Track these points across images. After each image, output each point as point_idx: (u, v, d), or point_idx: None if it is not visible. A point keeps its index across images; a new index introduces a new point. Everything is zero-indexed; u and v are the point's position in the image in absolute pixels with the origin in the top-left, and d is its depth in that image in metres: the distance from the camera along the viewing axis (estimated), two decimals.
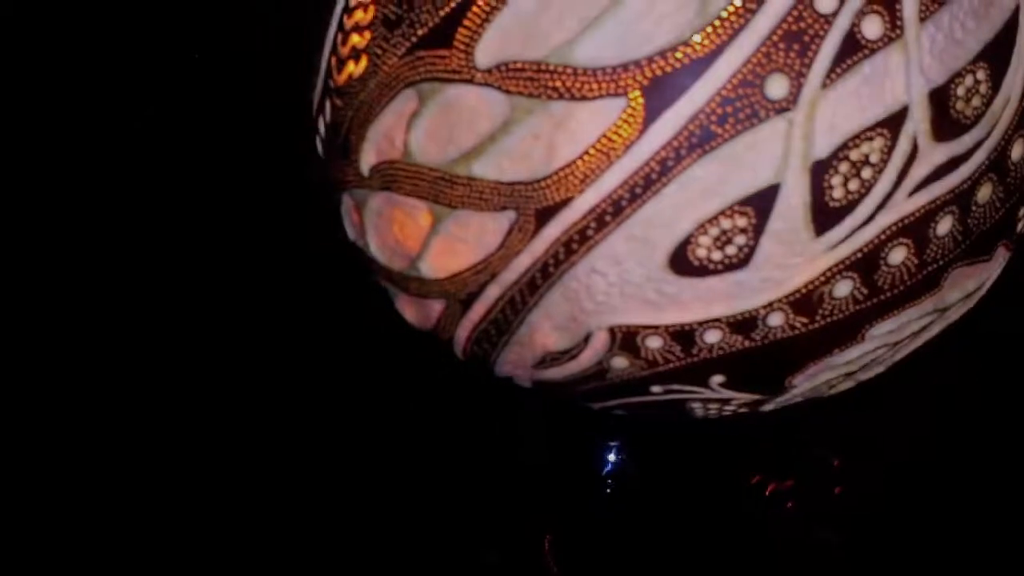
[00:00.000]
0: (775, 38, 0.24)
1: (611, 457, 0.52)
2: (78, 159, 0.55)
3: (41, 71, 0.55)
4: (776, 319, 0.28)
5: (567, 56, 0.26)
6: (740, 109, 0.25)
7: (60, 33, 0.54)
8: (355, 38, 0.31)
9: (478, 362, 0.35)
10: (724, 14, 0.24)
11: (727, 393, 0.31)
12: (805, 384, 0.31)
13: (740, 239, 0.26)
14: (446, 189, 0.29)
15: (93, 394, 0.51)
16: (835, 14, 0.25)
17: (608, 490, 0.50)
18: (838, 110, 0.25)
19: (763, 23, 0.24)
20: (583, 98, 0.26)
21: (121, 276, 0.53)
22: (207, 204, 0.55)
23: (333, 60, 0.32)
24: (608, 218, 0.26)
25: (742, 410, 0.33)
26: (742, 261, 0.27)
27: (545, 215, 0.27)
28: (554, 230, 0.27)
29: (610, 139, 0.26)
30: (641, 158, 0.25)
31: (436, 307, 0.33)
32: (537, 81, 0.26)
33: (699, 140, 0.25)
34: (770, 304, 0.27)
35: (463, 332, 0.33)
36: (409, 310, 0.35)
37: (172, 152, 0.55)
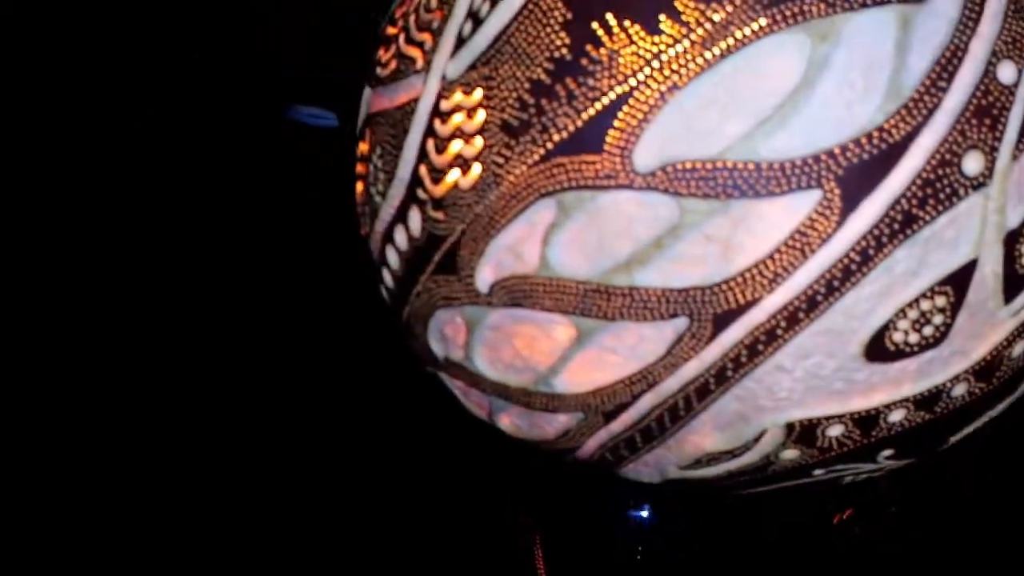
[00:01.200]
0: (968, 114, 0.24)
1: (643, 516, 0.51)
2: (78, 159, 0.54)
3: (41, 71, 0.53)
4: (960, 389, 0.27)
5: (748, 151, 0.24)
6: (940, 189, 0.24)
7: (60, 33, 0.53)
8: (459, 145, 0.28)
9: (599, 466, 0.33)
10: (916, 95, 0.24)
11: (889, 463, 0.30)
12: (956, 439, 0.31)
13: (938, 318, 0.25)
14: (599, 302, 0.26)
15: (89, 389, 0.50)
16: (1016, 84, 0.24)
17: (639, 557, 0.49)
18: (1021, 178, 0.25)
19: (953, 100, 0.24)
20: (771, 194, 0.24)
21: (121, 274, 0.53)
22: (206, 203, 0.55)
23: (424, 169, 0.29)
24: (801, 315, 0.25)
25: (886, 473, 0.32)
26: (938, 340, 0.26)
27: (725, 319, 0.25)
28: (736, 333, 0.25)
29: (804, 234, 0.24)
30: (839, 250, 0.24)
31: (563, 420, 0.30)
32: (713, 180, 0.24)
33: (901, 225, 0.24)
34: (956, 376, 0.27)
35: (595, 442, 0.31)
36: (513, 422, 0.32)
37: (172, 152, 0.55)
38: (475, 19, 0.27)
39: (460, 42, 0.28)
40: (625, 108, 0.25)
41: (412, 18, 0.30)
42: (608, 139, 0.25)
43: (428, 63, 0.29)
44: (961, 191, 0.24)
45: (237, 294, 0.54)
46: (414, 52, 0.30)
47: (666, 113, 0.24)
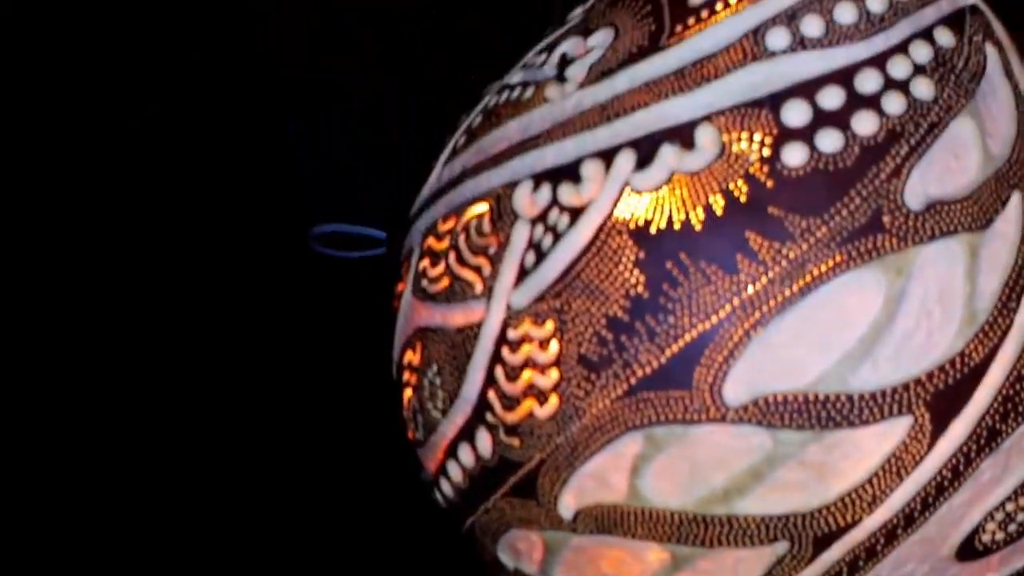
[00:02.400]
0: None
1: None
2: (78, 159, 0.54)
3: (41, 71, 0.53)
4: None
5: (838, 383, 0.24)
6: (1019, 402, 0.25)
7: (60, 33, 0.53)
8: (532, 375, 0.27)
9: None
10: (990, 318, 0.25)
11: None
12: None
13: (1021, 516, 0.26)
14: (696, 530, 0.26)
15: (90, 391, 0.51)
16: None
17: None
18: None
19: (1023, 317, 0.25)
20: (864, 423, 0.25)
21: (120, 275, 0.54)
22: (206, 204, 0.54)
23: (493, 393, 0.29)
24: (899, 531, 0.25)
25: None
26: (1021, 534, 0.27)
27: (825, 540, 0.25)
28: (836, 553, 0.26)
29: (899, 457, 0.25)
30: (932, 469, 0.25)
31: None
32: (807, 412, 0.25)
33: (986, 440, 0.25)
34: None
35: None
36: None
37: (172, 152, 0.54)
38: (537, 250, 0.28)
39: (524, 272, 0.28)
40: (711, 345, 0.25)
41: (462, 238, 0.30)
42: (696, 376, 0.25)
43: (489, 289, 0.29)
44: None
45: (236, 293, 0.54)
46: (470, 275, 0.30)
47: (752, 349, 0.25)
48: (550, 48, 0.32)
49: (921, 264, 0.24)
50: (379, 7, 0.52)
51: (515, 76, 0.33)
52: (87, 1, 0.53)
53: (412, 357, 0.33)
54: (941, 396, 0.24)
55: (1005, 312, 0.25)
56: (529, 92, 0.31)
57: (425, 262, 0.32)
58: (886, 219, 0.24)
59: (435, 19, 0.52)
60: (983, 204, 0.25)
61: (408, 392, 0.34)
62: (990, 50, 0.26)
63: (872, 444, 0.25)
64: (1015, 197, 0.25)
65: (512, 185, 0.29)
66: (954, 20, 0.26)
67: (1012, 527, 0.27)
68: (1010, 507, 0.26)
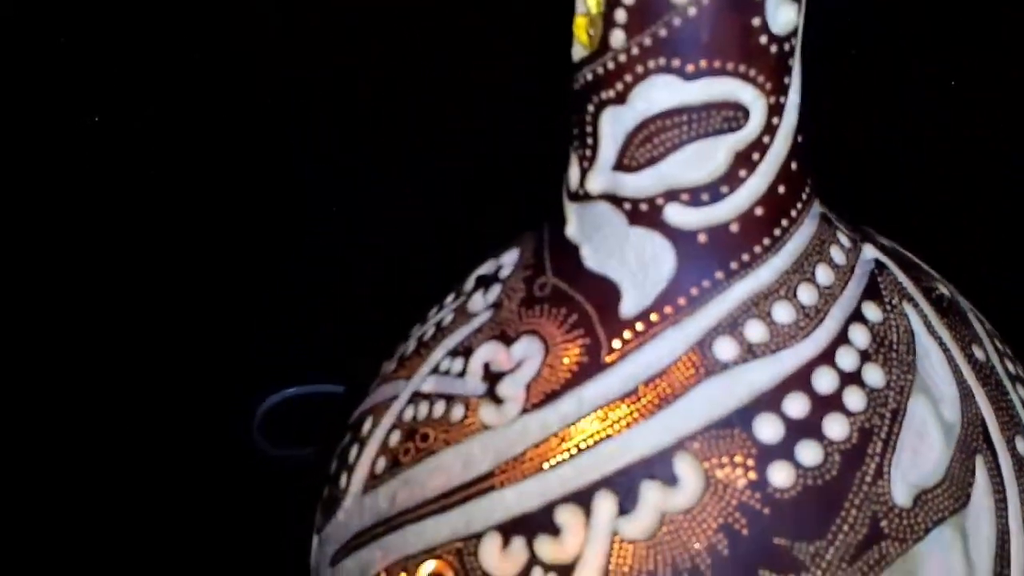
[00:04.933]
0: None
1: None
2: (78, 159, 0.54)
3: (41, 71, 0.52)
4: None
5: None
6: None
7: (60, 33, 0.52)
8: None
9: None
10: None
11: None
12: None
13: None
14: None
15: (92, 394, 0.53)
16: None
17: None
18: None
19: None
20: None
21: (120, 276, 0.54)
22: (206, 204, 0.54)
23: None
24: None
25: None
26: None
27: None
28: None
29: None
30: None
31: None
32: None
33: None
34: None
35: None
36: None
37: (171, 152, 0.54)
38: None
39: None
40: None
41: None
42: None
43: None
44: None
45: (235, 292, 0.54)
46: None
47: None
48: (465, 353, 0.29)
49: (922, 562, 0.24)
50: (379, 7, 0.51)
51: (427, 383, 0.30)
52: (87, 1, 0.51)
53: None
54: None
55: None
56: (458, 412, 0.28)
57: None
58: (884, 524, 0.24)
59: (435, 19, 0.51)
60: (958, 482, 0.25)
61: None
62: (909, 310, 0.27)
63: None
64: (979, 462, 0.26)
65: (474, 538, 0.26)
66: (872, 289, 0.27)
67: None
68: None
